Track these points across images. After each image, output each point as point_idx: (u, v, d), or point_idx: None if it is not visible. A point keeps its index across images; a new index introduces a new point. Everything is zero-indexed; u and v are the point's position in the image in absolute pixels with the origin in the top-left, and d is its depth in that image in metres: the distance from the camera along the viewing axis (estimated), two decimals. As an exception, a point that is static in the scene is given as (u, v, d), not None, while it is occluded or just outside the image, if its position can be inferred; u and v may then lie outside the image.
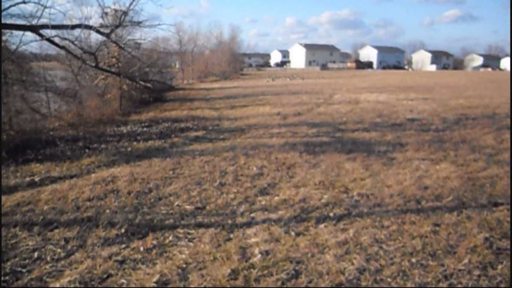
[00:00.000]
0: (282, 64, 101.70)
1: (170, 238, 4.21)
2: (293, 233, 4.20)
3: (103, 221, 4.57)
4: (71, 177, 6.70)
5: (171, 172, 6.73)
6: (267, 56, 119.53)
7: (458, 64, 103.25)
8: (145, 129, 12.29)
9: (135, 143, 9.79)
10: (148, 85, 13.34)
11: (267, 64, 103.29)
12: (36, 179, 6.59)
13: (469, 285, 3.17)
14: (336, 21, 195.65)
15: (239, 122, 12.92)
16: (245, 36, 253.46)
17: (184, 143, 9.52)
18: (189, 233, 4.33)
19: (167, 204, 5.23)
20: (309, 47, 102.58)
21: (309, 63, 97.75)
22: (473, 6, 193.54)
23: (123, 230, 4.36)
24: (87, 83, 18.74)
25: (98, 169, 7.23)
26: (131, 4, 12.15)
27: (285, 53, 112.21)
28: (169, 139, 10.06)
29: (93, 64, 10.38)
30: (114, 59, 17.00)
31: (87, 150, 9.07)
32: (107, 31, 11.64)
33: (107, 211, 4.95)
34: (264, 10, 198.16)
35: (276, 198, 5.34)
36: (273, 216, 4.71)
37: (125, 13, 11.43)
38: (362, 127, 10.90)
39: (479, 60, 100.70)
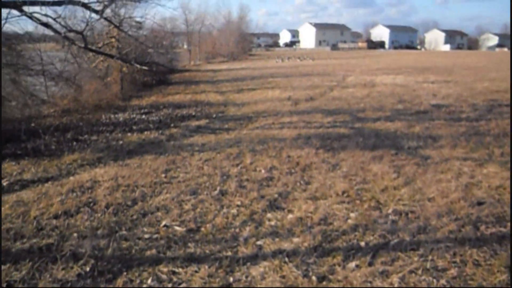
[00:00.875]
0: (292, 44, 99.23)
1: (149, 281, 3.11)
2: (314, 278, 3.06)
3: (66, 252, 3.48)
4: (47, 180, 5.62)
5: (163, 175, 5.59)
6: (276, 36, 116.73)
7: (473, 44, 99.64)
8: (143, 116, 11.16)
9: (129, 134, 8.68)
10: (145, 67, 12.14)
11: (276, 44, 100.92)
12: (5, 183, 5.52)
13: None
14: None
15: (246, 109, 11.73)
16: (254, 15, 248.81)
17: (183, 135, 8.38)
18: (174, 273, 3.22)
19: (152, 223, 4.11)
20: (319, 26, 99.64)
21: (319, 43, 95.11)
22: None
23: (88, 268, 3.26)
24: (88, 65, 17.63)
25: (80, 169, 6.15)
26: (125, -23, 10.90)
27: (294, 33, 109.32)
28: (167, 130, 8.92)
29: (82, 45, 9.22)
30: (113, 39, 15.79)
31: (74, 143, 7.99)
32: (99, 7, 10.45)
33: (75, 235, 3.85)
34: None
35: (290, 216, 4.19)
36: (286, 245, 3.57)
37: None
38: (384, 116, 9.64)
39: (494, 40, 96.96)
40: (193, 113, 11.20)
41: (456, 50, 79.95)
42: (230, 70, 29.67)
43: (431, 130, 7.93)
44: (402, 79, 18.97)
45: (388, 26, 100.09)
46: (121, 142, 7.85)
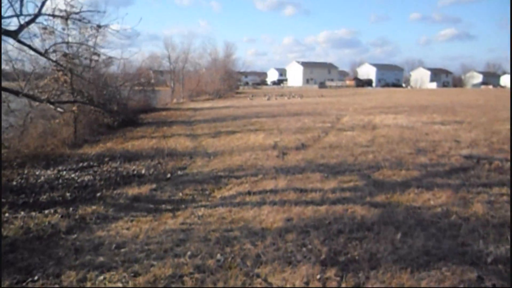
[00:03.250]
0: (279, 82, 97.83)
1: None
2: None
3: None
4: None
5: None
6: (264, 74, 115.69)
7: (457, 82, 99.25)
8: (73, 174, 7.96)
9: (22, 212, 5.39)
10: (60, 109, 8.98)
11: (264, 83, 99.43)
12: None
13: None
14: (334, 40, 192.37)
15: (217, 163, 8.58)
16: (243, 55, 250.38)
17: (102, 218, 5.09)
18: None
19: None
20: (306, 65, 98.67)
21: (307, 81, 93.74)
22: (469, 25, 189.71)
23: None
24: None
25: None
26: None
27: (282, 71, 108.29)
28: (85, 205, 5.62)
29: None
30: (60, 73, 12.69)
31: None
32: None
33: None
34: (262, 30, 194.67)
35: None
36: None
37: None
38: (411, 177, 6.53)
39: (479, 78, 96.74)
40: (143, 171, 7.97)
41: (442, 88, 78.88)
42: (212, 108, 26.78)
43: (503, 211, 4.80)
44: (404, 119, 16.11)
45: (375, 65, 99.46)
46: (-13, 236, 4.55)
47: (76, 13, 10.64)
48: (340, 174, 6.92)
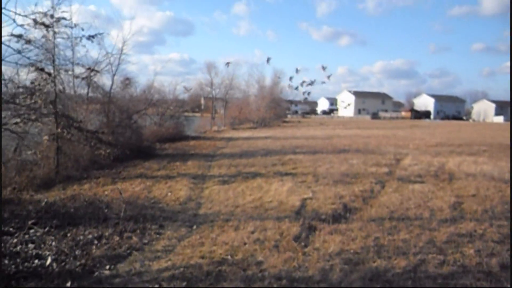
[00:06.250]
0: (330, 112, 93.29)
1: None
2: None
3: None
4: None
5: None
6: (314, 103, 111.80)
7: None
8: None
9: None
10: None
11: (313, 112, 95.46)
12: None
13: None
14: (389, 71, 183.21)
15: (191, 243, 4.89)
16: (297, 84, 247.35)
17: None
18: None
19: None
20: (358, 94, 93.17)
21: (359, 111, 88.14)
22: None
23: None
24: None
25: None
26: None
27: (332, 101, 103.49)
28: None
29: None
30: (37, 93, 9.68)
31: None
32: None
33: None
34: (316, 59, 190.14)
35: None
36: None
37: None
38: None
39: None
40: (49, 260, 4.39)
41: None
42: (249, 139, 23.27)
43: None
44: (491, 165, 11.32)
45: (433, 96, 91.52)
46: None
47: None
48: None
